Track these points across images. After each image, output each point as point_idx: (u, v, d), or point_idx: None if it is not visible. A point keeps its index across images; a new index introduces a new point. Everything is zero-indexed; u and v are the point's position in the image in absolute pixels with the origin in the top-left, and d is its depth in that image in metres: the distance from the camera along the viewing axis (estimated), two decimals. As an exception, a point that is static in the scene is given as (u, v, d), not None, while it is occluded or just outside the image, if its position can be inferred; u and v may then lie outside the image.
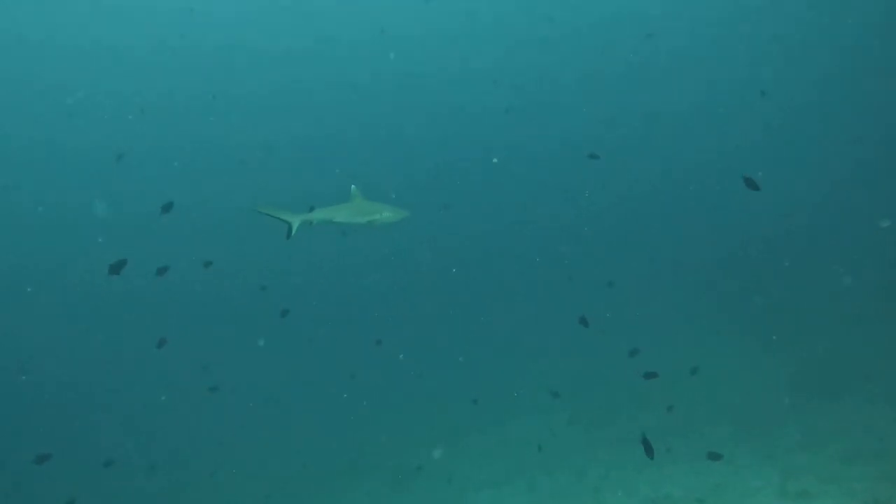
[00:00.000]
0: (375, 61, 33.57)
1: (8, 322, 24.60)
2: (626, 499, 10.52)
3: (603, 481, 11.31)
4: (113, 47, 30.37)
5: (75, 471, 14.47)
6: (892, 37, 28.18)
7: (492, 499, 11.88)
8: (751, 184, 8.12)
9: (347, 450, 15.29)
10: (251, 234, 27.91)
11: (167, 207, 11.17)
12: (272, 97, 33.64)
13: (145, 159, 30.28)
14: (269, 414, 17.97)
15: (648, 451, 7.05)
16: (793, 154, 27.76)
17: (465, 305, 24.27)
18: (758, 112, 29.12)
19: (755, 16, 31.68)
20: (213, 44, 31.62)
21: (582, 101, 32.87)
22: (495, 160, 31.13)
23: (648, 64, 32.55)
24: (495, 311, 23.31)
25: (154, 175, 29.98)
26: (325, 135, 34.09)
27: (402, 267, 27.89)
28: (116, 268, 9.09)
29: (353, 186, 8.57)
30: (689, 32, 33.01)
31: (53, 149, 31.08)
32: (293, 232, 8.22)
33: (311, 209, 8.48)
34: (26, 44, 29.23)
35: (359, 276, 27.83)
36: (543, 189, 31.22)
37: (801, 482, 9.49)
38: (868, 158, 24.68)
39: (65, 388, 21.23)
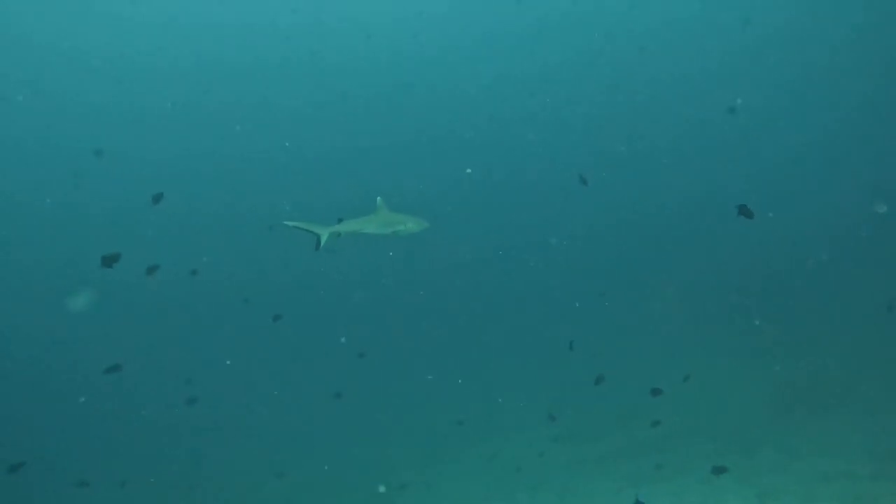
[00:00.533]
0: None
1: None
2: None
3: (587, 500, 11.31)
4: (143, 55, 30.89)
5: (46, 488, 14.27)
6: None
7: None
8: (745, 212, 8.22)
9: (328, 465, 15.08)
10: (244, 244, 28.14)
11: (157, 198, 11.07)
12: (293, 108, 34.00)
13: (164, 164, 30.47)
14: (250, 427, 17.76)
15: None
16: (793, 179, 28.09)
17: (457, 323, 24.19)
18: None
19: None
20: (233, 55, 32.20)
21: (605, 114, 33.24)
22: (469, 170, 31.38)
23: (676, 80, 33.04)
24: (487, 327, 23.24)
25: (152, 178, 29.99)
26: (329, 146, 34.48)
27: (393, 283, 27.81)
28: (109, 261, 8.66)
29: (378, 198, 8.68)
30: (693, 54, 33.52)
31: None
32: (322, 244, 8.36)
33: (340, 221, 8.61)
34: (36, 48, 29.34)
35: (346, 291, 27.70)
36: (541, 205, 31.24)
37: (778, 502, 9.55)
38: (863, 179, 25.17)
39: (37, 397, 20.90)
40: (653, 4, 32.25)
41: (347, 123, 34.49)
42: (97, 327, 24.69)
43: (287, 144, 33.16)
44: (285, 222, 8.51)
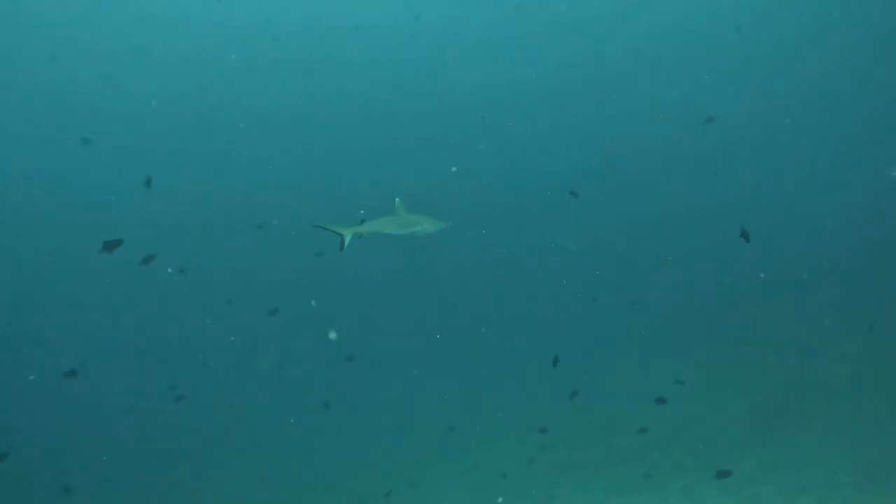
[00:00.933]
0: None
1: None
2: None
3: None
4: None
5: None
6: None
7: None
8: (745, 235, 8.58)
9: (313, 470, 15.14)
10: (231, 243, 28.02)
11: (148, 182, 11.13)
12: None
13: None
14: (234, 429, 17.64)
15: None
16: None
17: (451, 326, 23.99)
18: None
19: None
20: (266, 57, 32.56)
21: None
22: (454, 169, 31.51)
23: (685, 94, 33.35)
24: (479, 332, 23.02)
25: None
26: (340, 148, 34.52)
27: (389, 285, 27.78)
28: (111, 246, 8.66)
29: (397, 199, 9.04)
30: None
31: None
32: (346, 244, 8.60)
33: (362, 222, 8.88)
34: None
35: (334, 295, 27.61)
36: (538, 209, 31.27)
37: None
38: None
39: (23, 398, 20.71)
40: (646, 14, 32.71)
41: (348, 124, 34.71)
42: (75, 323, 24.66)
43: (296, 145, 33.42)
44: (312, 224, 8.77)
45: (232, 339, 21.64)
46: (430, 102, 35.69)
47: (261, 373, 21.19)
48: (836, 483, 10.13)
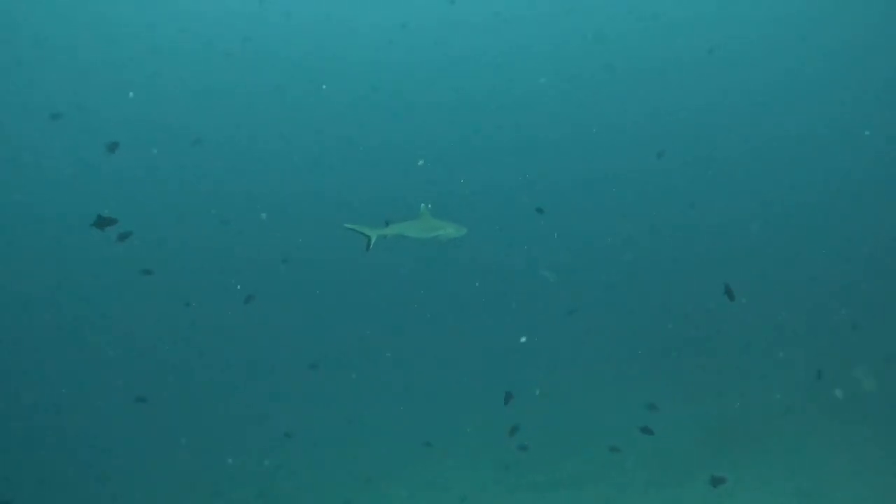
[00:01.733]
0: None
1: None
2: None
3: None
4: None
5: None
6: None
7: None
8: (729, 293, 9.06)
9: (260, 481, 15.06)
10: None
11: (112, 147, 11.14)
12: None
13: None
14: (191, 435, 17.34)
15: None
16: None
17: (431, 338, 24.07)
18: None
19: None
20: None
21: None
22: (421, 162, 31.71)
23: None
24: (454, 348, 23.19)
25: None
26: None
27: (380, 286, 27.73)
28: (103, 223, 8.48)
29: (422, 204, 9.43)
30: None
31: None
32: (371, 245, 9.02)
33: (387, 224, 9.26)
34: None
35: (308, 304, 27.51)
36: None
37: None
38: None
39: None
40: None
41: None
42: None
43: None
44: (344, 224, 9.12)
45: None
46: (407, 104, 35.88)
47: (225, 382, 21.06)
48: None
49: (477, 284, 26.45)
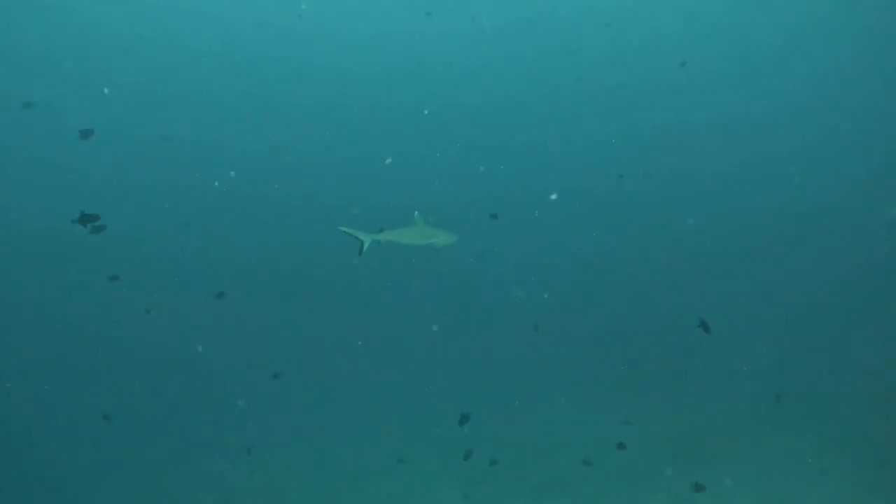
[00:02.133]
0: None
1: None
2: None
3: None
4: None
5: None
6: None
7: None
8: (704, 326, 9.28)
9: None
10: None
11: (86, 133, 11.03)
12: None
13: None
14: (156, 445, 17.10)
15: None
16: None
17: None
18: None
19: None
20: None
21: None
22: (389, 160, 31.90)
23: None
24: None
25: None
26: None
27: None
28: (87, 220, 8.36)
29: (416, 212, 9.54)
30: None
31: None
32: (364, 249, 9.04)
33: (381, 230, 9.29)
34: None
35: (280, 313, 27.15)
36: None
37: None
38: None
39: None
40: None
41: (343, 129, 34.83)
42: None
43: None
44: (340, 228, 9.15)
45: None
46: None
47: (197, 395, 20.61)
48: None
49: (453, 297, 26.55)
